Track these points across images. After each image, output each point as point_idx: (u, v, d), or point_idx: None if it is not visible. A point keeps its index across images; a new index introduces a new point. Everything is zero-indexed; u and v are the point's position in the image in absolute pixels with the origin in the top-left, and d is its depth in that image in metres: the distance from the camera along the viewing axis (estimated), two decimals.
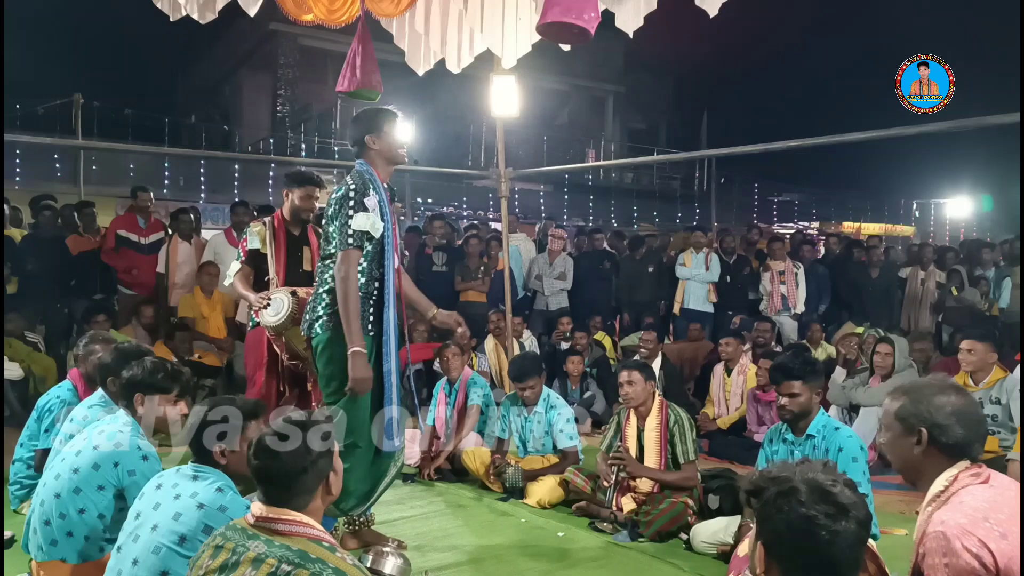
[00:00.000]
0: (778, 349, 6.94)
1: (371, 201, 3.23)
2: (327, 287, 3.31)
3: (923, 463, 1.97)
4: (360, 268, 3.26)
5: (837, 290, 8.53)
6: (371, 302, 3.31)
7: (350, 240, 3.20)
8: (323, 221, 3.41)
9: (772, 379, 3.65)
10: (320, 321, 3.30)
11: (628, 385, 4.24)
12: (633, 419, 4.31)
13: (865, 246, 9.33)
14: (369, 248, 3.27)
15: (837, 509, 1.53)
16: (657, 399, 4.29)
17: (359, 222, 3.20)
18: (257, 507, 1.92)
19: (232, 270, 4.38)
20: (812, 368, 3.60)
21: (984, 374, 4.94)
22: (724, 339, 6.38)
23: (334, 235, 3.26)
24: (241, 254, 4.37)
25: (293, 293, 3.96)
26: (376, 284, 3.32)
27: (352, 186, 3.25)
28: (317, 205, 4.43)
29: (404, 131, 3.43)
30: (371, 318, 3.31)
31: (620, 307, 8.85)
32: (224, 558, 1.84)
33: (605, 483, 4.18)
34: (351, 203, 3.21)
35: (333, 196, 3.30)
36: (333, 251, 3.26)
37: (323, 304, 3.31)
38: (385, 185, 3.37)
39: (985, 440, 2.01)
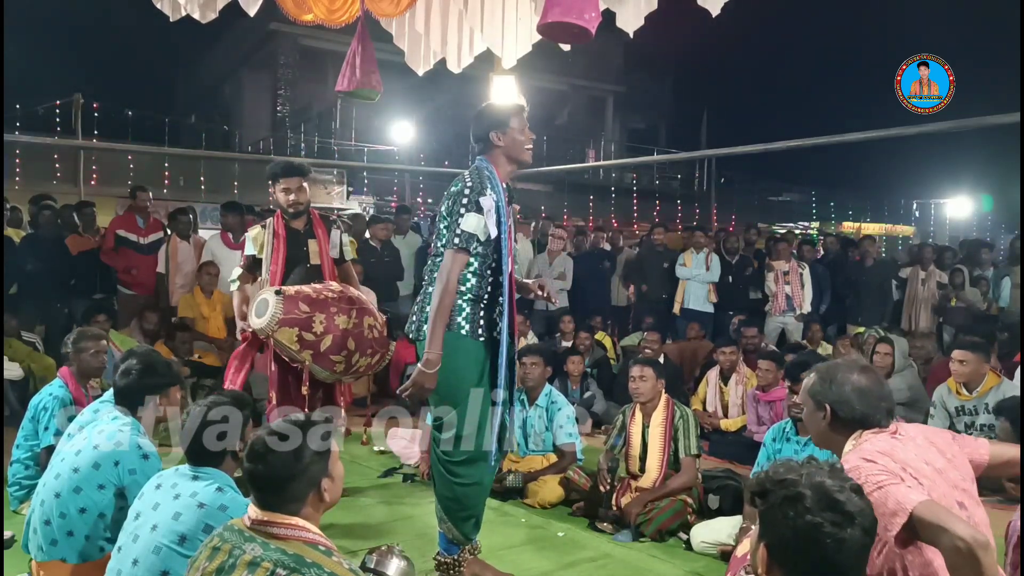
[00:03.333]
0: (773, 348, 6.93)
1: (487, 201, 3.02)
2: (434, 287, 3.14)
3: (829, 435, 2.18)
4: (472, 269, 3.08)
5: (833, 289, 8.54)
6: (481, 306, 3.11)
7: (456, 240, 2.98)
8: (437, 217, 3.25)
9: (789, 376, 3.65)
10: (427, 324, 3.12)
11: (640, 380, 4.25)
12: (638, 417, 4.32)
13: (856, 243, 9.32)
14: (482, 250, 3.07)
15: (844, 517, 1.52)
16: (663, 397, 4.31)
17: (469, 223, 2.99)
18: (253, 510, 1.91)
19: (233, 275, 4.34)
20: None
21: (977, 383, 4.89)
22: (725, 347, 6.25)
23: (444, 233, 3.08)
24: (241, 262, 4.32)
25: (278, 292, 3.82)
26: (488, 288, 3.11)
27: (468, 183, 3.05)
28: (305, 197, 4.26)
29: (527, 129, 3.12)
30: (481, 322, 3.11)
31: (627, 304, 8.83)
32: (221, 560, 1.84)
33: (602, 487, 4.17)
34: (464, 201, 3.02)
35: (450, 191, 3.11)
36: (442, 249, 3.10)
37: (430, 304, 3.13)
38: (504, 185, 3.17)
39: (891, 412, 2.18)
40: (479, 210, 3.00)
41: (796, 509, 1.54)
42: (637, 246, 9.72)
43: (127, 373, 3.05)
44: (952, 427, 4.81)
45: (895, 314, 8.55)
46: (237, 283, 4.33)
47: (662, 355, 6.60)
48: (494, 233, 3.04)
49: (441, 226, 3.13)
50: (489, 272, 3.10)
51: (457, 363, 3.07)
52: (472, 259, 3.08)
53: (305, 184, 4.27)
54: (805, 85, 26.99)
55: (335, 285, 4.24)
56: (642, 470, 4.27)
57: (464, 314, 3.09)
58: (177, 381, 3.18)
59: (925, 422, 5.42)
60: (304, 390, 4.00)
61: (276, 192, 4.23)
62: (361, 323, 4.05)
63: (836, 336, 7.95)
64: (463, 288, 3.09)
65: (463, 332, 3.08)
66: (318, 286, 4.12)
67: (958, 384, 4.97)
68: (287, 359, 3.98)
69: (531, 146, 3.24)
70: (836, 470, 1.62)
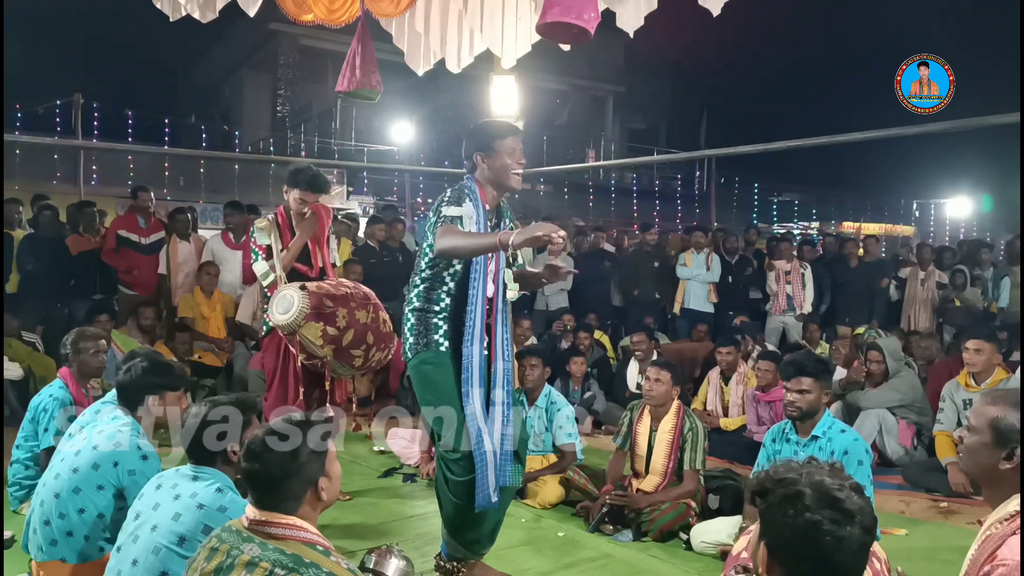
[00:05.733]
0: (773, 349, 6.94)
1: (467, 208, 3.02)
2: (411, 307, 3.13)
3: (1005, 480, 1.88)
4: (446, 289, 3.07)
5: (823, 288, 8.52)
6: (440, 317, 3.08)
7: (441, 223, 2.97)
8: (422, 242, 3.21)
9: (783, 374, 3.65)
10: (408, 343, 3.13)
11: (656, 383, 4.23)
12: (647, 418, 4.30)
13: (842, 241, 9.31)
14: (457, 268, 3.07)
15: (843, 515, 1.52)
16: (675, 403, 4.28)
17: (451, 210, 3.00)
18: (251, 510, 1.91)
19: (262, 270, 4.14)
20: (824, 367, 3.61)
21: (987, 374, 4.92)
22: (724, 347, 6.24)
23: (427, 249, 3.08)
24: (260, 252, 4.16)
25: (302, 287, 3.81)
26: (449, 301, 3.08)
27: (446, 195, 3.07)
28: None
29: (517, 152, 3.07)
30: (442, 330, 3.07)
31: (625, 305, 8.83)
32: (219, 561, 1.84)
33: (594, 512, 4.13)
34: (444, 202, 3.03)
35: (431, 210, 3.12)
36: (424, 266, 3.12)
37: (408, 325, 3.13)
38: (487, 207, 3.12)
39: None
40: (459, 204, 3.01)
41: (795, 507, 1.53)
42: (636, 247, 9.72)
43: (130, 370, 3.05)
44: (960, 421, 4.84)
45: (893, 314, 8.54)
46: (272, 275, 4.12)
47: (655, 354, 6.61)
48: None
49: (424, 246, 3.15)
50: (459, 290, 3.08)
51: (445, 381, 3.07)
52: (449, 279, 3.09)
53: (320, 199, 4.28)
54: (805, 85, 26.97)
55: (347, 281, 4.26)
56: (646, 471, 4.27)
57: (442, 331, 3.09)
58: (180, 385, 3.17)
59: (925, 421, 5.43)
60: (328, 385, 4.02)
61: (291, 196, 4.21)
62: (378, 317, 4.08)
63: (830, 337, 7.94)
64: (438, 308, 3.10)
65: (443, 349, 3.08)
66: (333, 281, 4.15)
67: (968, 375, 4.99)
68: (303, 356, 3.94)
69: (519, 170, 3.14)
70: (836, 470, 1.61)
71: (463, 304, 3.06)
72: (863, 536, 1.53)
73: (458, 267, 3.08)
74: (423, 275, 3.14)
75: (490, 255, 3.07)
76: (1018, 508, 1.83)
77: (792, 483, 1.57)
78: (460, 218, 2.99)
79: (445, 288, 3.10)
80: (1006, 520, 1.83)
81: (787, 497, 1.56)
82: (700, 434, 4.18)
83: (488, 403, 3.06)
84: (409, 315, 3.15)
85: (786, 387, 3.57)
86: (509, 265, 3.28)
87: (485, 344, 3.08)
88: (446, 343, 3.08)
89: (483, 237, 2.95)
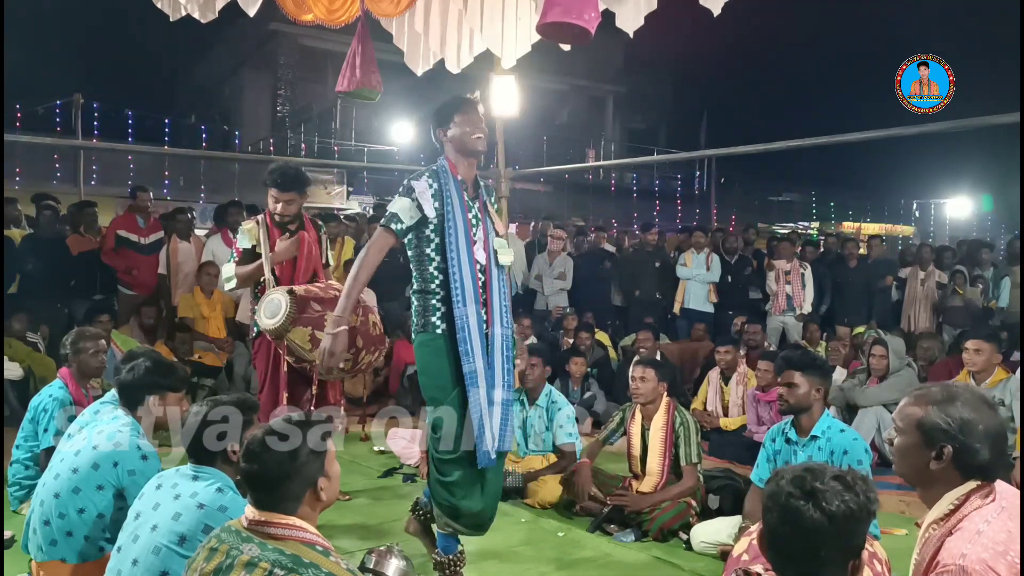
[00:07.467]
0: (772, 348, 6.94)
1: (419, 184, 3.09)
2: (414, 289, 3.17)
3: (937, 479, 1.81)
4: (435, 265, 3.09)
5: (823, 288, 8.52)
6: (438, 298, 3.10)
7: (381, 220, 3.15)
8: None
9: (776, 369, 3.69)
10: (413, 324, 3.18)
11: (640, 381, 4.24)
12: (639, 417, 4.31)
13: (842, 241, 9.30)
14: (435, 240, 3.09)
15: (804, 494, 1.58)
16: (665, 400, 4.29)
17: (394, 205, 3.11)
18: (250, 510, 1.91)
19: (228, 273, 4.20)
20: (813, 362, 3.60)
21: (987, 374, 4.92)
22: (723, 347, 6.23)
23: (400, 229, 3.18)
24: (235, 254, 4.20)
25: (290, 292, 3.79)
26: (440, 278, 3.09)
27: (414, 174, 3.17)
28: (293, 210, 4.22)
29: (473, 119, 3.16)
30: (439, 313, 3.09)
31: (626, 305, 8.82)
32: (218, 561, 1.84)
33: (578, 502, 4.18)
34: (403, 185, 3.14)
35: None
36: (407, 247, 3.19)
37: (414, 307, 3.18)
38: (460, 178, 3.18)
39: (1008, 462, 1.95)
40: (409, 194, 3.08)
41: (774, 479, 1.65)
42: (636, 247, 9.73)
43: (132, 369, 3.05)
44: None
45: (894, 314, 8.54)
46: (234, 282, 4.18)
47: (658, 354, 6.61)
48: (431, 214, 3.07)
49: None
50: (442, 263, 3.09)
51: (439, 364, 3.08)
52: (432, 252, 3.10)
53: (298, 197, 4.23)
54: (805, 85, 26.98)
55: (336, 283, 4.24)
56: (643, 471, 4.27)
57: (440, 313, 3.09)
58: (182, 387, 3.18)
59: None
60: (314, 389, 4.00)
61: (269, 198, 4.22)
62: (367, 320, 4.07)
63: (829, 337, 7.95)
64: (434, 285, 3.11)
65: (439, 332, 3.08)
66: (322, 284, 4.13)
67: (968, 375, 4.98)
68: (292, 359, 3.94)
69: (480, 135, 3.21)
70: (840, 476, 1.64)
71: (453, 282, 3.07)
72: (820, 518, 1.56)
73: (435, 239, 3.10)
74: (410, 256, 3.19)
75: (471, 223, 3.12)
76: (950, 508, 1.80)
77: (786, 469, 1.68)
78: (397, 215, 3.08)
79: (433, 263, 3.12)
80: (941, 521, 1.81)
81: (776, 474, 1.67)
82: (692, 428, 4.19)
83: (489, 363, 3.08)
84: (413, 297, 3.19)
85: (779, 383, 3.59)
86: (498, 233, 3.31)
87: (483, 310, 3.10)
88: (443, 325, 3.09)
89: (351, 295, 3.15)
